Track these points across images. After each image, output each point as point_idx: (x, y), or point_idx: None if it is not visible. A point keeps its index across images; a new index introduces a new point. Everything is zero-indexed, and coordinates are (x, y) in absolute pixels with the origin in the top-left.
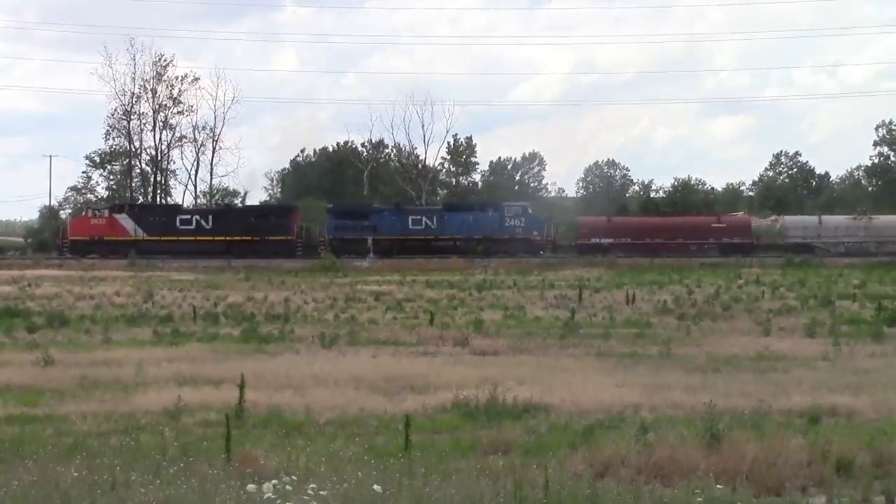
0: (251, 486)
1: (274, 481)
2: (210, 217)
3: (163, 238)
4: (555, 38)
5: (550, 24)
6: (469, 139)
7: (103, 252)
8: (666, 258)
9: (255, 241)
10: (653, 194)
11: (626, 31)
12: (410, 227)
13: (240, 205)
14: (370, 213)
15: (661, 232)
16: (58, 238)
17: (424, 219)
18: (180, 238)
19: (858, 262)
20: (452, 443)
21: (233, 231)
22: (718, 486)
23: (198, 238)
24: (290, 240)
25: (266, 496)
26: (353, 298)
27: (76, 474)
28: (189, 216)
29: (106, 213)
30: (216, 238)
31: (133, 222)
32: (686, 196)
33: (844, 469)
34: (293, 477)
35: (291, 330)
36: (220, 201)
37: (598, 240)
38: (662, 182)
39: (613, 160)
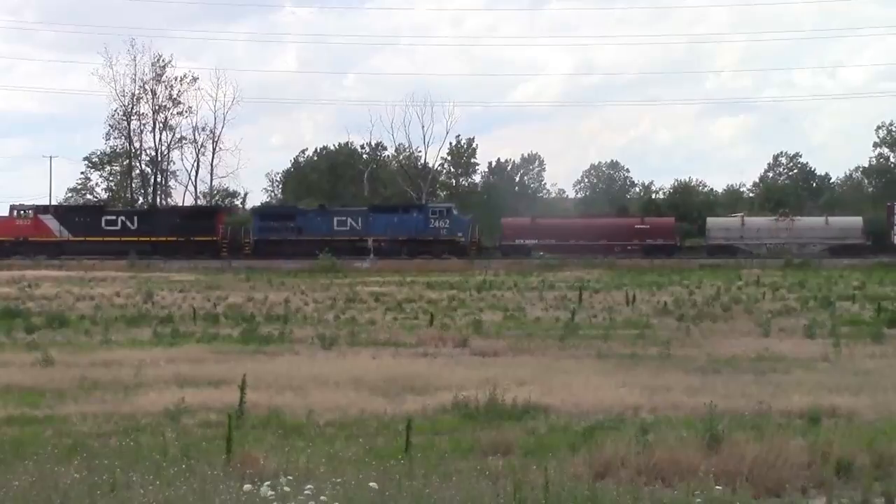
0: (247, 486)
1: (271, 482)
2: (135, 218)
3: (88, 238)
4: (556, 38)
5: (552, 24)
6: (471, 140)
7: (28, 253)
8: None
9: (180, 242)
10: (653, 196)
11: (628, 31)
12: (336, 228)
13: (166, 206)
14: (296, 215)
15: (585, 233)
16: None
17: (349, 220)
18: (105, 238)
19: (858, 264)
20: (452, 444)
21: (158, 231)
22: (718, 487)
23: (123, 239)
24: (216, 240)
25: (266, 496)
26: (354, 299)
27: (76, 475)
28: (114, 217)
29: (31, 213)
30: (141, 238)
31: (58, 223)
32: (686, 197)
33: (844, 470)
34: (290, 478)
35: (291, 331)
36: (219, 202)
37: (521, 241)
38: (663, 183)
39: (615, 161)
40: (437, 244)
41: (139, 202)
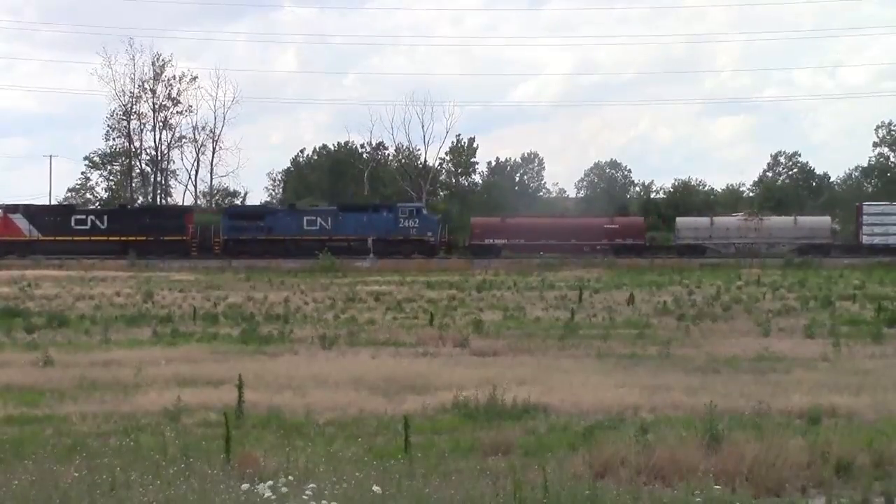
0: (245, 486)
1: (271, 481)
2: (105, 217)
3: (57, 238)
4: (556, 38)
5: (551, 24)
6: (472, 140)
7: None
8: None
9: (150, 241)
10: (653, 195)
11: (628, 31)
12: (305, 227)
13: (134, 206)
14: (265, 214)
15: (555, 233)
16: None
17: (319, 219)
18: (75, 238)
19: (859, 263)
20: (452, 443)
21: (128, 231)
22: (718, 486)
23: (93, 238)
24: (185, 240)
25: (265, 496)
26: (353, 299)
27: (76, 474)
28: (84, 216)
29: (0, 213)
30: (111, 238)
31: (27, 222)
32: (686, 197)
33: (844, 470)
34: (291, 478)
35: (291, 330)
36: (220, 202)
37: (491, 240)
38: (663, 182)
39: (615, 160)
40: (407, 243)
41: (139, 201)
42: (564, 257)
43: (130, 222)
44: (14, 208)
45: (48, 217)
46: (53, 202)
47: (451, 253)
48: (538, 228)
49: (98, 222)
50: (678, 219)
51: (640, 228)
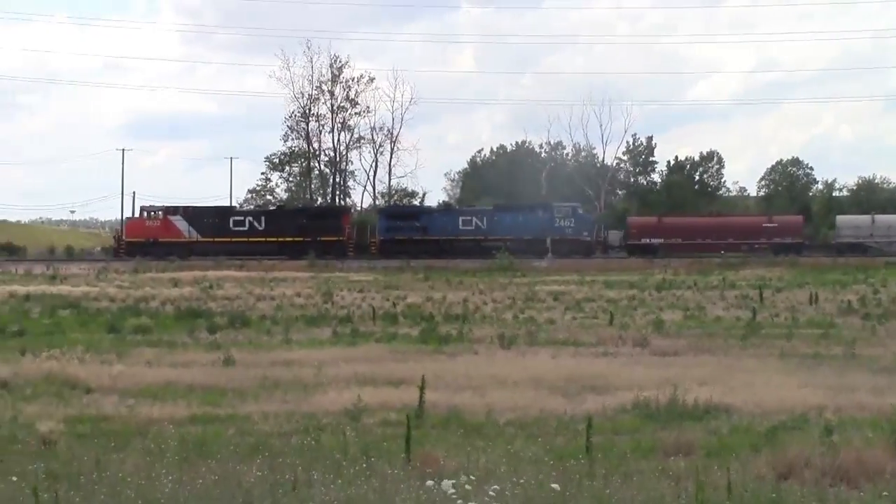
0: (429, 483)
1: (453, 480)
2: (263, 218)
3: (216, 239)
4: (736, 35)
5: (731, 21)
6: (649, 139)
7: (158, 254)
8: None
9: (307, 242)
10: (835, 193)
11: (809, 27)
12: (461, 227)
13: (293, 206)
14: (421, 214)
15: (712, 232)
16: (114, 240)
17: (475, 219)
18: (233, 239)
19: None
20: (633, 444)
21: (285, 232)
22: None
23: (251, 239)
24: (342, 240)
25: (448, 493)
26: (532, 298)
27: (258, 474)
28: (242, 217)
29: (160, 214)
30: (269, 239)
31: (187, 224)
32: (871, 195)
33: None
34: (472, 477)
35: (470, 330)
36: (398, 202)
37: (648, 240)
38: (846, 180)
39: (797, 158)
40: (562, 243)
41: (318, 202)
42: (735, 257)
43: (287, 223)
44: (174, 210)
45: (207, 219)
46: (234, 204)
47: (607, 253)
48: (695, 227)
49: (256, 224)
50: (838, 217)
51: (800, 227)
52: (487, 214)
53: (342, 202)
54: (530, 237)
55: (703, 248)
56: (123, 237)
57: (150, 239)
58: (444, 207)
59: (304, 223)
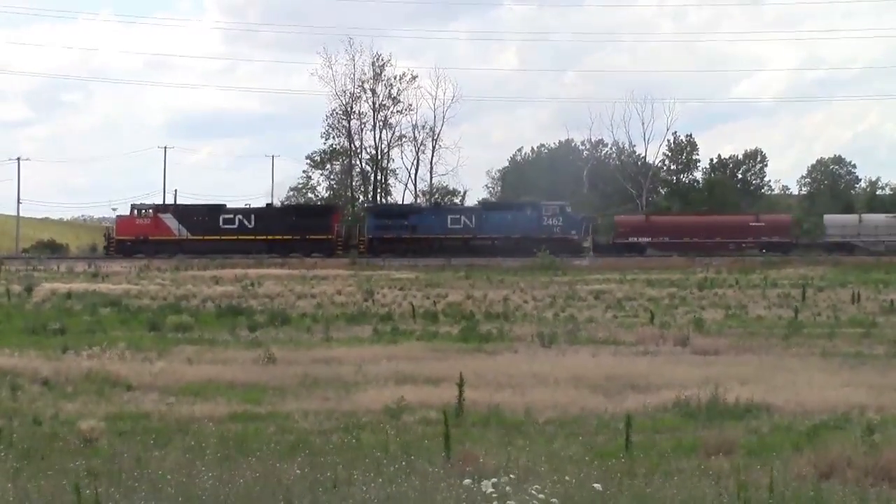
0: (467, 481)
1: (494, 479)
2: (252, 216)
3: (206, 237)
4: (779, 33)
5: (776, 18)
6: (690, 137)
7: (148, 251)
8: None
9: (295, 240)
10: (879, 192)
11: (854, 25)
12: (449, 226)
13: (280, 205)
14: (409, 213)
15: (700, 231)
16: (104, 238)
17: (463, 218)
18: (223, 237)
19: None
20: (674, 443)
21: (274, 230)
22: None
23: (240, 237)
24: (331, 239)
25: (487, 492)
26: (573, 297)
27: (299, 472)
28: (232, 216)
29: (151, 212)
30: (258, 237)
31: (177, 222)
32: None
33: None
34: (512, 476)
35: (510, 329)
36: (439, 200)
37: (635, 239)
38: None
39: (839, 156)
40: (551, 242)
41: (360, 200)
42: (709, 255)
43: (277, 222)
44: (164, 208)
45: (197, 217)
46: (276, 202)
47: (595, 252)
48: (683, 226)
49: (245, 222)
50: (825, 216)
51: (787, 226)
52: (476, 213)
53: (383, 200)
54: (518, 236)
55: (690, 248)
56: (114, 235)
57: (140, 237)
58: (434, 206)
59: (293, 221)
